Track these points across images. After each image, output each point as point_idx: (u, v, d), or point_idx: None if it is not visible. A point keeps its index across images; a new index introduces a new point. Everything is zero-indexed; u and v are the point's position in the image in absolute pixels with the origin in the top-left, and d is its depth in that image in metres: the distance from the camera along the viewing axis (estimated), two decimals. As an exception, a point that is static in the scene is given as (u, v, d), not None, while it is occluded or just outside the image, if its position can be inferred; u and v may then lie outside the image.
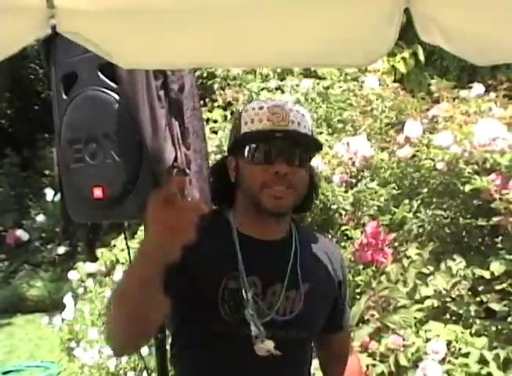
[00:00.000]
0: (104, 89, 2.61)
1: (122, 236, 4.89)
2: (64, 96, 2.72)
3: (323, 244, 1.85)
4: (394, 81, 5.93)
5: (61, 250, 6.85)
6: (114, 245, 5.32)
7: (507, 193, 2.97)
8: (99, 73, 2.60)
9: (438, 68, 8.59)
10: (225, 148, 5.09)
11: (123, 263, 5.13)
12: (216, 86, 5.89)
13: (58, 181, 2.79)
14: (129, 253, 3.21)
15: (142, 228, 3.01)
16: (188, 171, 2.63)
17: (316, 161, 3.85)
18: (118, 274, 4.96)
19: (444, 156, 3.34)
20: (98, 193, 2.57)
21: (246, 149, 1.64)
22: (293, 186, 1.62)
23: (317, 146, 1.71)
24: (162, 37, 1.69)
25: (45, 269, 7.87)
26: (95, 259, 5.21)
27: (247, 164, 1.65)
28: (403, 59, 7.26)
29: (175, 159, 2.60)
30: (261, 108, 1.63)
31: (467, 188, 3.09)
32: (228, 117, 5.64)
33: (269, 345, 1.58)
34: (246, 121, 1.64)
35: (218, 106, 5.74)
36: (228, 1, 1.48)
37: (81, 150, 2.61)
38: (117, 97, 2.60)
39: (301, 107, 1.72)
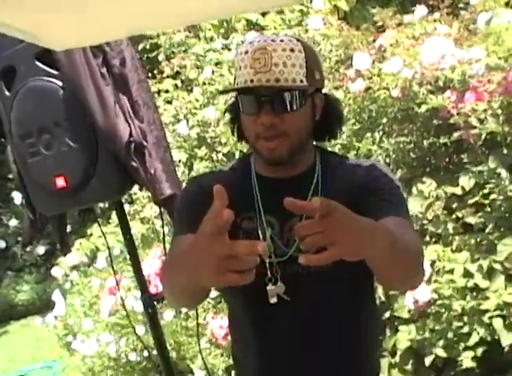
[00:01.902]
0: (46, 78, 2.57)
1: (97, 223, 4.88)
2: (7, 93, 2.66)
3: (352, 169, 1.68)
4: (339, 20, 5.88)
5: (41, 250, 6.79)
6: (91, 234, 5.29)
7: (464, 107, 2.97)
8: (37, 62, 2.56)
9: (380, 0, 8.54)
10: (181, 116, 5.10)
11: (104, 250, 5.11)
12: (161, 57, 5.81)
13: (18, 178, 2.76)
14: (106, 239, 3.21)
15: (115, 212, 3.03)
16: (145, 143, 2.61)
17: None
18: (101, 262, 4.95)
19: (396, 82, 3.34)
20: (60, 182, 2.55)
21: (238, 100, 1.60)
22: (285, 133, 1.54)
23: (302, 90, 1.55)
24: (87, 11, 1.65)
25: (29, 271, 7.81)
26: (69, 251, 5.18)
27: (242, 114, 1.61)
28: (344, -4, 7.17)
29: (130, 134, 2.58)
30: (246, 52, 1.53)
31: (423, 109, 3.09)
32: (179, 84, 5.58)
33: (279, 289, 1.56)
34: (236, 67, 1.57)
35: (167, 76, 5.66)
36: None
37: (35, 144, 2.58)
38: (60, 83, 2.57)
39: (293, 40, 1.56)
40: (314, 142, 1.73)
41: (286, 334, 1.64)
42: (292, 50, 1.52)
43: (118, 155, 2.54)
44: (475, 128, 2.96)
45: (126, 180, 2.61)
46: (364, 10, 8.14)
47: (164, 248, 2.90)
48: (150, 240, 4.77)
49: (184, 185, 2.02)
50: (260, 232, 1.59)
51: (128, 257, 3.29)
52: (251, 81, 1.51)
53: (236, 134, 1.72)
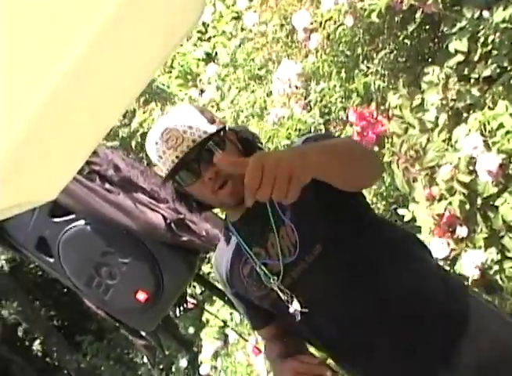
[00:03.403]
0: (69, 226, 2.68)
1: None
2: (50, 260, 2.77)
3: None
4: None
5: (183, 363, 6.81)
6: (207, 320, 5.35)
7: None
8: (54, 219, 2.68)
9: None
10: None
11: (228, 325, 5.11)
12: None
13: (109, 319, 2.85)
14: (217, 317, 3.24)
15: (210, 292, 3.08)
16: (181, 216, 2.68)
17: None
18: (231, 336, 4.98)
19: (339, 13, 3.34)
20: (142, 296, 2.63)
21: (177, 180, 1.73)
22: (230, 175, 1.65)
23: (219, 131, 1.71)
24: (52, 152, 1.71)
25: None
26: (192, 346, 5.25)
27: (189, 188, 1.73)
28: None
29: (165, 218, 2.66)
30: (156, 143, 1.68)
31: (374, 16, 3.08)
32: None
33: (296, 306, 1.66)
34: (157, 160, 1.71)
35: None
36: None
37: (101, 282, 2.68)
38: (82, 222, 2.68)
39: (177, 106, 1.81)
40: None
41: (336, 320, 1.68)
42: (184, 113, 1.71)
43: (166, 241, 2.62)
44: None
45: (189, 256, 2.69)
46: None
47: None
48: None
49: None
50: (255, 267, 1.72)
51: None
52: (177, 157, 1.64)
53: (199, 208, 1.83)
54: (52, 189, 2.07)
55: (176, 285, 2.69)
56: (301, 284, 1.66)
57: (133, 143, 5.83)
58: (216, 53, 6.04)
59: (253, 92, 4.73)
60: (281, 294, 1.67)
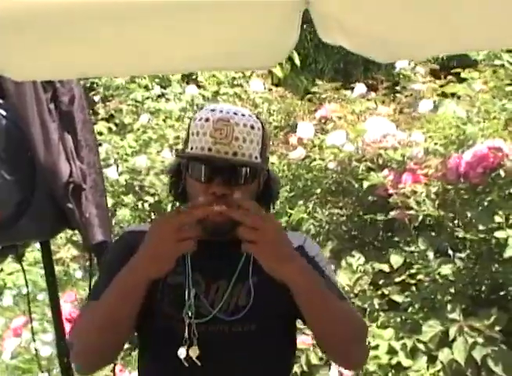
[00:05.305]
0: (-12, 104, 2.48)
1: (8, 259, 4.66)
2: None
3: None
4: (272, 85, 6.02)
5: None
6: (1, 269, 5.06)
7: (403, 188, 3.06)
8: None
9: (313, 72, 8.82)
10: (112, 161, 5.00)
11: (10, 287, 4.88)
12: (98, 98, 5.75)
13: None
14: (25, 275, 3.04)
15: (29, 249, 2.89)
16: (84, 185, 2.55)
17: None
18: (7, 300, 4.71)
19: (337, 155, 3.41)
20: (-10, 215, 2.43)
21: (189, 165, 1.62)
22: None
23: (258, 167, 1.59)
24: (50, 47, 1.61)
25: None
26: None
27: (190, 178, 1.62)
28: (279, 64, 7.34)
29: (71, 174, 2.51)
30: (207, 120, 1.55)
31: (365, 185, 3.16)
32: (113, 128, 5.52)
33: (193, 352, 1.56)
34: (192, 132, 1.59)
35: (102, 119, 5.60)
36: (122, 7, 1.42)
37: (-32, 173, 2.46)
38: (3, 113, 2.48)
39: (254, 117, 1.62)
40: None
41: None
42: (252, 127, 1.58)
43: (55, 194, 2.46)
44: (412, 209, 3.04)
45: (59, 221, 2.53)
46: (297, 79, 8.39)
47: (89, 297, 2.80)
48: (63, 282, 4.60)
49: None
50: (186, 289, 1.61)
51: (39, 298, 3.15)
52: (209, 149, 1.54)
53: (177, 196, 1.74)
54: (21, 73, 1.95)
55: (25, 235, 2.48)
56: (210, 341, 1.57)
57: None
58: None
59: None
60: (186, 332, 1.56)
